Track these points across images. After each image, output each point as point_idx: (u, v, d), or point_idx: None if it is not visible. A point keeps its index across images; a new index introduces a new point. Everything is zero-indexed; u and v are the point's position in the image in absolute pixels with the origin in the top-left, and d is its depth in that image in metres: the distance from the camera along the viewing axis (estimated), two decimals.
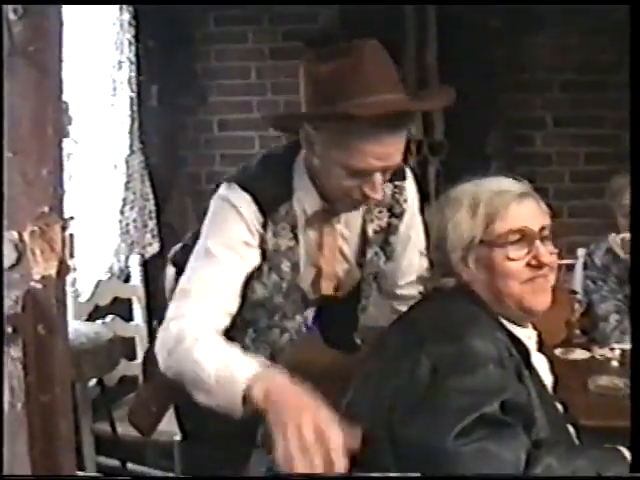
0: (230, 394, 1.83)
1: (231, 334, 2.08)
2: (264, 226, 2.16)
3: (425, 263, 2.31)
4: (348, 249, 2.34)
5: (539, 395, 1.86)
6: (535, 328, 2.05)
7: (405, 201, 2.37)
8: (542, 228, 1.94)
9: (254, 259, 2.17)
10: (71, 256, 1.38)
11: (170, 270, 2.46)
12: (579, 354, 3.20)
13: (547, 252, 1.92)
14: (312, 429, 1.68)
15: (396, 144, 2.06)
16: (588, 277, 3.64)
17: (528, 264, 1.91)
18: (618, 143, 4.76)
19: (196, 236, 2.24)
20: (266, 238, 2.17)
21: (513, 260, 1.90)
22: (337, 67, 2.01)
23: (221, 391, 1.85)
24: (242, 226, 2.14)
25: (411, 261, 2.45)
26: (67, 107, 3.26)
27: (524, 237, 1.91)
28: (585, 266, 3.70)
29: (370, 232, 2.34)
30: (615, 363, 3.08)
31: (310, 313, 2.53)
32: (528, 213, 1.95)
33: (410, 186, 2.41)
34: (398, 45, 4.48)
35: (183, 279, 2.15)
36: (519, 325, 1.97)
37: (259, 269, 2.19)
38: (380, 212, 2.34)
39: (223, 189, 2.19)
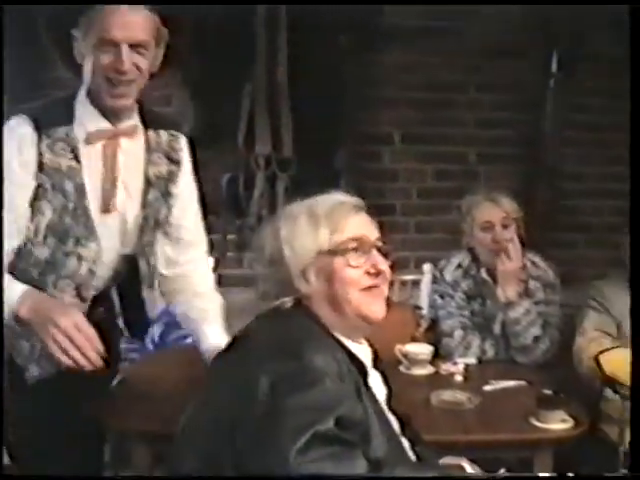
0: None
1: (34, 283, 2.26)
2: (39, 142, 2.26)
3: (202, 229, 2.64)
4: (130, 178, 2.42)
5: (376, 412, 1.87)
6: (371, 345, 2.08)
7: (181, 150, 2.54)
8: (377, 238, 2.03)
9: (30, 182, 2.27)
10: None
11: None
12: (423, 369, 3.23)
13: (383, 261, 2.01)
14: (72, 327, 2.06)
15: (136, 16, 2.23)
16: (437, 292, 3.66)
17: (367, 272, 1.98)
18: (464, 161, 4.87)
19: None
20: (42, 151, 2.26)
21: (353, 267, 1.97)
22: None
23: None
24: (14, 145, 2.24)
25: (192, 229, 2.62)
26: None
27: (362, 245, 1.99)
28: (434, 280, 3.73)
29: (151, 174, 2.46)
30: (459, 377, 3.11)
31: (156, 330, 2.51)
32: (364, 223, 2.04)
33: (184, 142, 2.57)
34: (249, 62, 4.46)
35: None
36: (355, 341, 1.99)
37: (42, 187, 2.28)
38: (159, 158, 2.48)
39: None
